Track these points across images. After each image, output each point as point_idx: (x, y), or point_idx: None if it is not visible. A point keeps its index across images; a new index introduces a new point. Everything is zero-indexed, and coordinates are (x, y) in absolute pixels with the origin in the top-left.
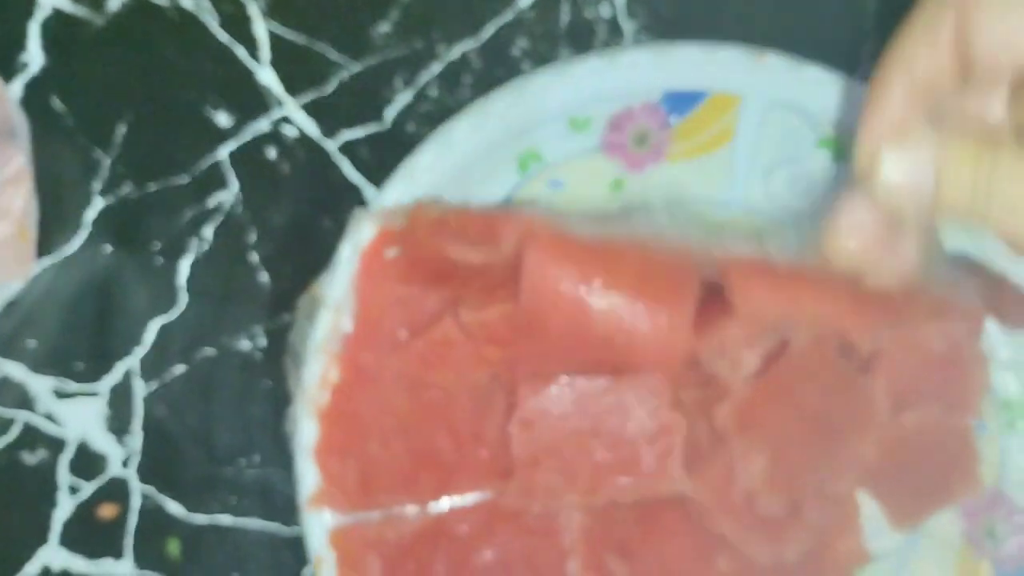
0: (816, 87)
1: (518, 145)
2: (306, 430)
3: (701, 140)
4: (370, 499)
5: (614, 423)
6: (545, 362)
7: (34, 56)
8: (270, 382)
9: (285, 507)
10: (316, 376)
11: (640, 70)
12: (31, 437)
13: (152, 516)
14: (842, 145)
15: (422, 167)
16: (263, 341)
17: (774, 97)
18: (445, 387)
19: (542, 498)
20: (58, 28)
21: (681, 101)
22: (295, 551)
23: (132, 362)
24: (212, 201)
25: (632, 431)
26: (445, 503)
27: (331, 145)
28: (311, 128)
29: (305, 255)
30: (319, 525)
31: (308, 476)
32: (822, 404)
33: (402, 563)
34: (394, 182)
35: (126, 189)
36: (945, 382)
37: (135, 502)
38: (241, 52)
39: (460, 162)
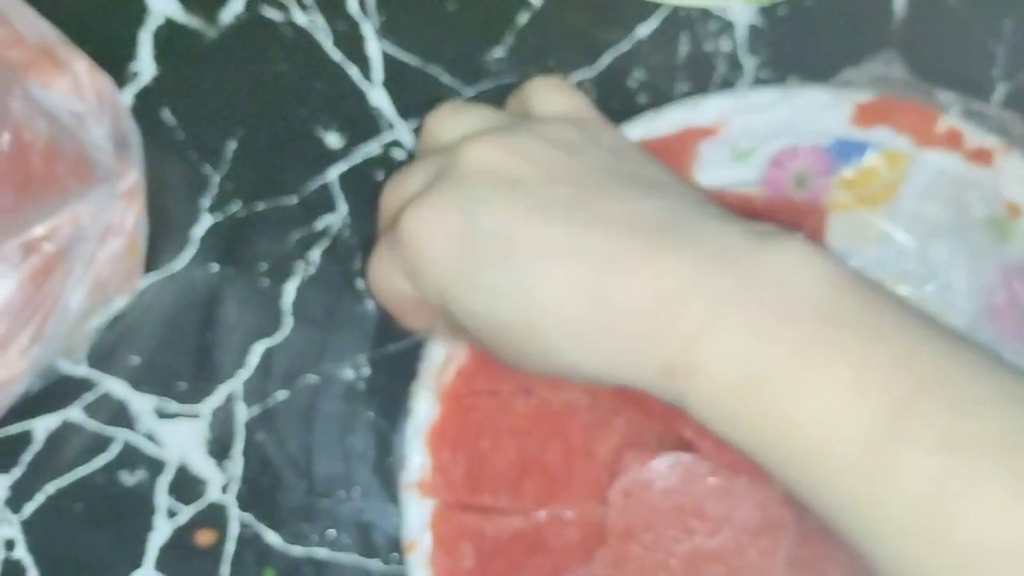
0: (1009, 152)
1: (676, 166)
2: (422, 409)
3: (863, 193)
4: (473, 495)
5: (718, 509)
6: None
7: (145, 65)
8: (372, 413)
9: (384, 544)
10: (441, 356)
11: (816, 110)
12: (131, 457)
13: (249, 545)
14: (1009, 228)
15: None
16: (367, 371)
17: (946, 165)
18: (566, 400)
19: (632, 574)
20: (170, 38)
21: (849, 150)
22: None
23: (235, 385)
24: (320, 224)
25: (737, 520)
26: (544, 514)
27: None
28: None
29: None
30: (418, 509)
31: (416, 458)
32: None
33: (493, 560)
34: None
35: (234, 207)
36: None
37: (233, 530)
38: (354, 72)
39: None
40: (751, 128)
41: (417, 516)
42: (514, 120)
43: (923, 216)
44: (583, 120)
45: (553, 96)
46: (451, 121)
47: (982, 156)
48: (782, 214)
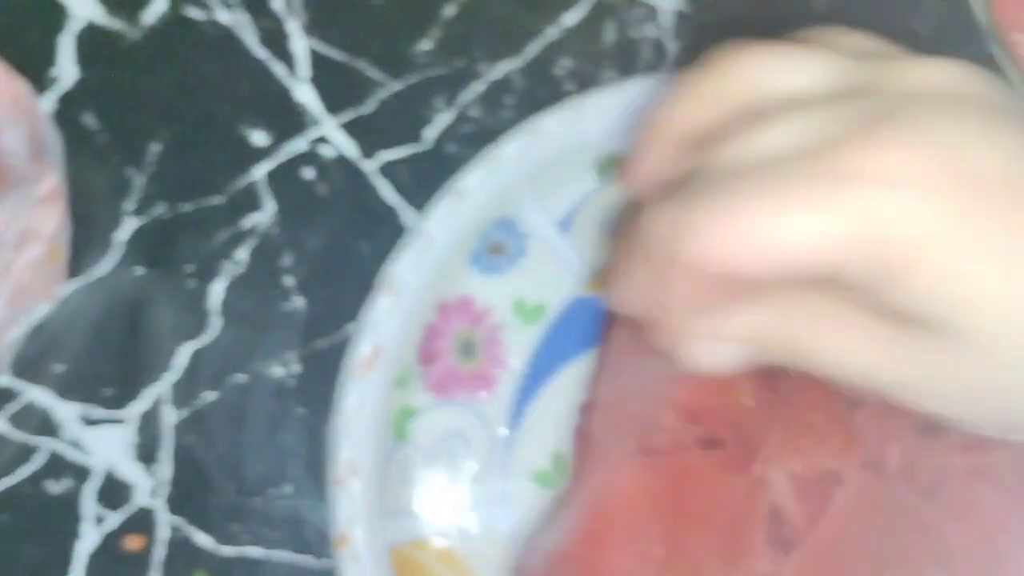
0: None
1: (600, 148)
2: (350, 404)
3: None
4: None
5: None
6: None
7: (66, 70)
8: (303, 410)
9: (316, 539)
10: (367, 349)
11: None
12: (56, 465)
13: (180, 548)
14: None
15: (507, 155)
16: (297, 368)
17: None
18: None
19: None
20: (92, 41)
21: None
22: None
23: (162, 388)
24: (247, 223)
25: None
26: None
27: (369, 166)
28: (349, 148)
29: (342, 279)
30: (347, 503)
31: (343, 452)
32: (888, 546)
33: None
34: (476, 169)
35: (159, 209)
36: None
37: (163, 533)
38: (279, 69)
39: (543, 156)
40: None
41: (346, 510)
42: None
43: None
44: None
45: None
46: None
47: None
48: None
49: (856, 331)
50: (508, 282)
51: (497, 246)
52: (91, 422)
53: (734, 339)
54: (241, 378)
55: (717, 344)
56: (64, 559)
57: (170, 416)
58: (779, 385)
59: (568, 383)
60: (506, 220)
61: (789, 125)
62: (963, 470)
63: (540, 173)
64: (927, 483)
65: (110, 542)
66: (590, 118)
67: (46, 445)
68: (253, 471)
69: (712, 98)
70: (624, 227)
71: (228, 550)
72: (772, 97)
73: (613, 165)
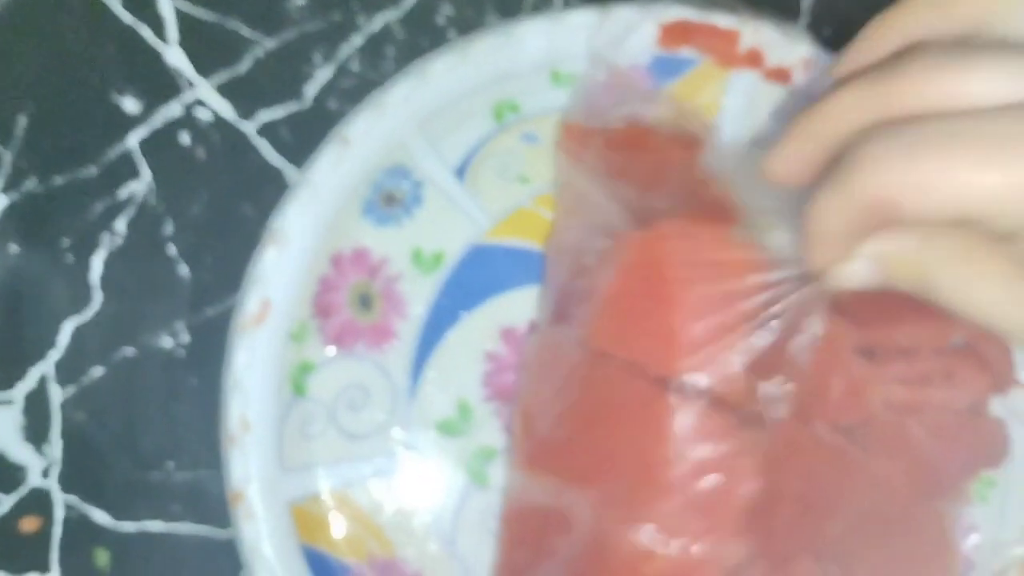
0: (806, 63)
1: (495, 93)
2: (239, 359)
3: (687, 108)
4: None
5: None
6: None
7: None
8: (196, 380)
9: (218, 510)
10: (255, 307)
11: (632, 27)
12: None
13: (77, 527)
14: None
15: (394, 100)
16: (186, 337)
17: (750, 83)
18: None
19: None
20: None
21: (670, 66)
22: (230, 555)
23: (46, 366)
24: (124, 192)
25: None
26: None
27: (249, 127)
28: (226, 110)
29: (226, 244)
30: (240, 460)
31: (234, 408)
32: (810, 487)
33: None
34: (361, 114)
35: (30, 184)
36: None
37: (58, 513)
38: (147, 32)
39: (433, 101)
40: (569, 51)
41: (240, 467)
42: None
43: (745, 129)
44: None
45: None
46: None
47: (781, 74)
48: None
49: (993, 276)
50: (404, 232)
51: (391, 196)
52: None
53: (877, 260)
54: (129, 351)
55: (860, 263)
56: None
57: (57, 394)
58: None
59: (469, 332)
60: (399, 168)
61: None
62: (901, 404)
63: (432, 119)
64: (868, 412)
65: (5, 525)
66: (481, 61)
67: None
68: (148, 445)
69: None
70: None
71: (128, 526)
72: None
73: (509, 110)
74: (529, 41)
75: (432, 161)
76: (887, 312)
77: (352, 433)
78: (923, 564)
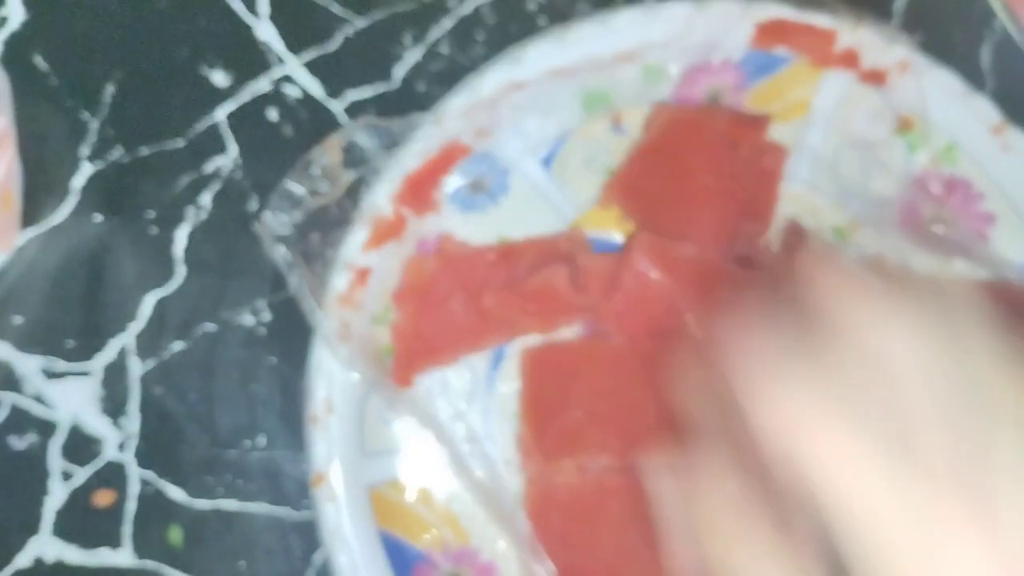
0: (903, 65)
1: (586, 83)
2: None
3: (776, 108)
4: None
5: None
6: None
7: (14, 10)
8: (275, 359)
9: (294, 490)
10: (343, 284)
11: (729, 21)
12: (19, 420)
13: (152, 503)
14: (921, 136)
15: (487, 85)
16: (267, 315)
17: (845, 83)
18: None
19: None
20: None
21: (763, 64)
22: (304, 536)
23: (127, 339)
24: (210, 166)
25: None
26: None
27: (336, 106)
28: (315, 88)
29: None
30: (324, 441)
31: (320, 391)
32: None
33: None
34: (456, 93)
35: (116, 154)
36: None
37: (133, 488)
38: (238, 5)
39: (524, 88)
40: (662, 43)
41: (323, 448)
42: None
43: (836, 130)
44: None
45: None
46: None
47: (876, 76)
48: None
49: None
50: (489, 219)
51: (478, 183)
52: (54, 375)
53: None
54: (209, 327)
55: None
56: (32, 517)
57: (136, 367)
58: None
59: None
60: (487, 155)
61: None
62: None
63: (522, 107)
64: None
65: (79, 498)
66: (574, 49)
67: (7, 400)
68: (225, 422)
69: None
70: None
71: (202, 503)
72: None
73: (599, 100)
74: (623, 31)
75: (520, 149)
76: None
77: (431, 420)
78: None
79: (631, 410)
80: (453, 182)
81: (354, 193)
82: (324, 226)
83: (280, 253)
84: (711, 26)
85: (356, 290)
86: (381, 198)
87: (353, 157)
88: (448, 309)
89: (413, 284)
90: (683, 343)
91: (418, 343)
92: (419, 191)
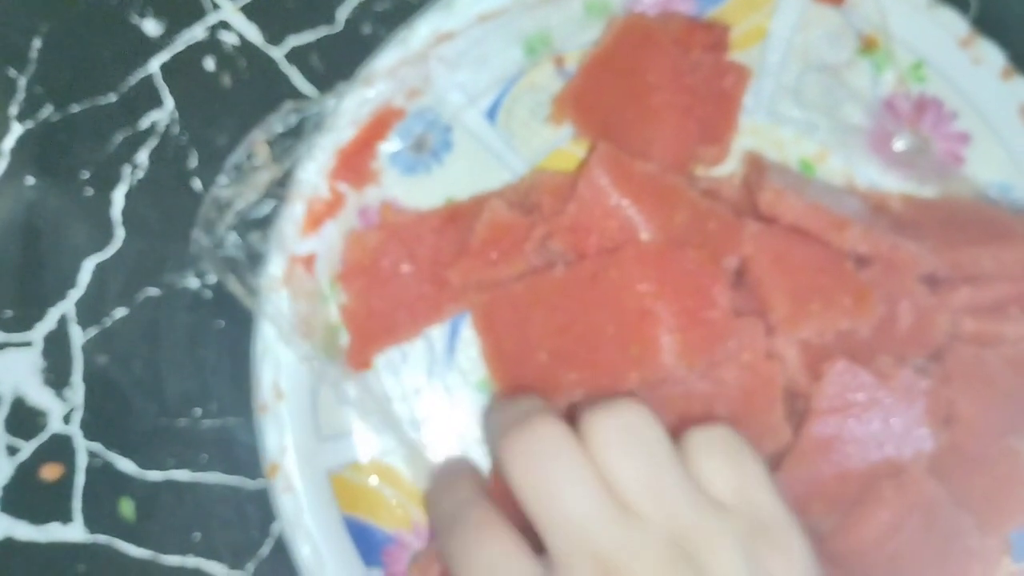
0: None
1: (525, 25)
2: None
3: (732, 36)
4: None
5: None
6: None
7: None
8: (222, 322)
9: (248, 459)
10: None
11: None
12: None
13: (101, 475)
14: (886, 56)
15: (418, 36)
16: (212, 277)
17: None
18: None
19: None
20: None
21: None
22: (261, 506)
23: (67, 306)
24: (145, 121)
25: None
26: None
27: (277, 52)
28: (253, 34)
29: None
30: (275, 430)
31: (266, 375)
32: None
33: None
34: (386, 50)
35: (46, 112)
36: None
37: (81, 460)
38: None
39: (459, 36)
40: None
41: (274, 438)
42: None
43: (796, 55)
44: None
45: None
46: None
47: None
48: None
49: None
50: (435, 180)
51: (419, 142)
52: None
53: None
54: (152, 292)
55: None
56: None
57: (78, 336)
58: (781, 255)
59: None
60: (425, 112)
61: None
62: (972, 335)
63: (459, 56)
64: (935, 344)
65: (25, 472)
66: None
67: None
68: (174, 390)
69: None
70: None
71: (154, 475)
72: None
73: (540, 43)
74: None
75: (460, 103)
76: (956, 236)
77: (390, 397)
78: (998, 500)
79: (591, 338)
80: (392, 146)
81: (286, 182)
82: (262, 224)
83: (216, 266)
84: None
85: (301, 278)
86: (313, 176)
87: (280, 149)
88: (399, 283)
89: (358, 260)
90: (631, 258)
91: (372, 323)
92: (355, 163)
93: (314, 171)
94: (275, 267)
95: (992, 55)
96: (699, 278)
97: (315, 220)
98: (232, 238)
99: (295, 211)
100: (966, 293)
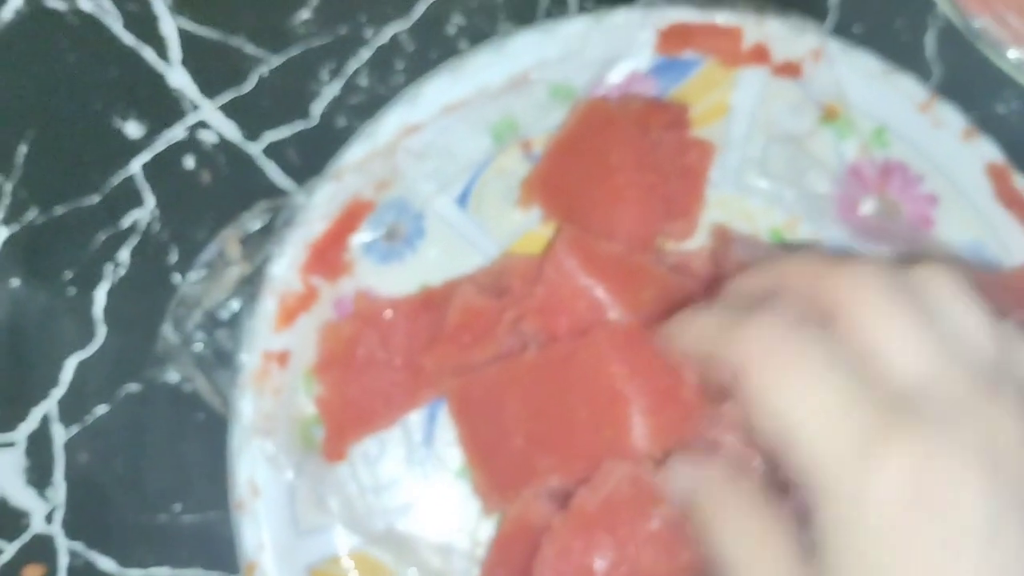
0: (816, 54)
1: (492, 112)
2: (247, 412)
3: (695, 113)
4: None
5: None
6: None
7: None
8: (202, 415)
9: (228, 553)
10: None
11: (629, 31)
12: None
13: (83, 575)
14: (847, 124)
15: (385, 129)
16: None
17: (774, 66)
18: None
19: None
20: None
21: (673, 70)
22: None
23: (49, 405)
24: (127, 220)
25: None
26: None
27: (254, 148)
28: (231, 131)
29: None
30: (252, 528)
31: (243, 472)
32: None
33: None
34: (354, 145)
35: (31, 215)
36: None
37: (63, 560)
38: (149, 54)
39: (426, 127)
40: (565, 61)
41: (252, 536)
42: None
43: (759, 128)
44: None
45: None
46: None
47: (791, 68)
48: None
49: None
50: (409, 268)
51: (392, 231)
52: None
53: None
54: (133, 387)
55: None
56: None
57: (60, 435)
58: None
59: None
60: (396, 202)
61: None
62: None
63: (428, 146)
64: None
65: (8, 574)
66: (473, 79)
67: None
68: (155, 486)
69: None
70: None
71: (135, 573)
72: None
73: (507, 129)
74: (521, 56)
75: (431, 191)
76: None
77: (368, 487)
78: None
79: (565, 421)
80: (365, 237)
81: (257, 279)
82: (230, 323)
83: (183, 363)
84: (610, 38)
85: (274, 374)
86: (286, 271)
87: (252, 246)
88: (375, 372)
89: (333, 352)
90: (601, 340)
91: (348, 413)
92: (327, 256)
93: (286, 266)
94: (248, 364)
95: (952, 117)
96: (668, 357)
97: (289, 315)
98: (200, 335)
99: (268, 307)
100: None
